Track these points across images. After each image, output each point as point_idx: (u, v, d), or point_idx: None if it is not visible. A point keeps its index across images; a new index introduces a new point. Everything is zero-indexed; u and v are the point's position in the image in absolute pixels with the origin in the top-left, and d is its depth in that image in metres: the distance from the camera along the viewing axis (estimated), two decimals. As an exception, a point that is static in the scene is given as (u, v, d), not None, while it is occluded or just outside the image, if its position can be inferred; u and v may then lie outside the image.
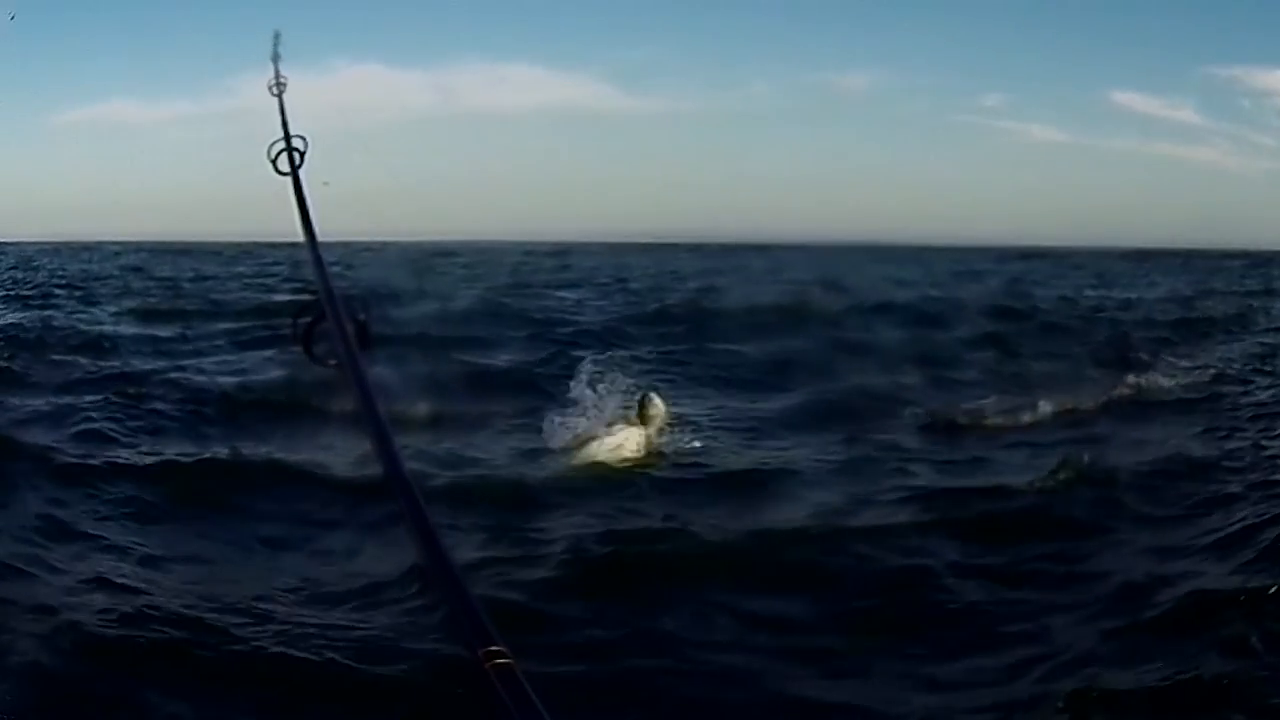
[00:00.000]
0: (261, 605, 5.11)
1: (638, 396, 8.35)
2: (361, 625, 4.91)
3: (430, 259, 39.31)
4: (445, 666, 4.19)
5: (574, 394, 8.89)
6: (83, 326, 17.13)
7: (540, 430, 8.68)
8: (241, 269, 37.77)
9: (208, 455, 8.11)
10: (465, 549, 5.69)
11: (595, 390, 8.72)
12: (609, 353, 12.70)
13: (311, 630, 4.81)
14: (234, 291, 26.43)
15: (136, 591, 5.25)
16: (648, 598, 5.24)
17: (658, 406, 8.21)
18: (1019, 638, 4.85)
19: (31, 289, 26.54)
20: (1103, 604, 5.15)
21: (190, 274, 34.65)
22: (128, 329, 17.35)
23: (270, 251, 46.38)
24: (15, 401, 10.15)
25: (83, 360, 12.96)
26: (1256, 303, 25.78)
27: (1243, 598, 4.95)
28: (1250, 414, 10.11)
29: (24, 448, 8.01)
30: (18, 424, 9.08)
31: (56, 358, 13.10)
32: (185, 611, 4.93)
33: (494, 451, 8.55)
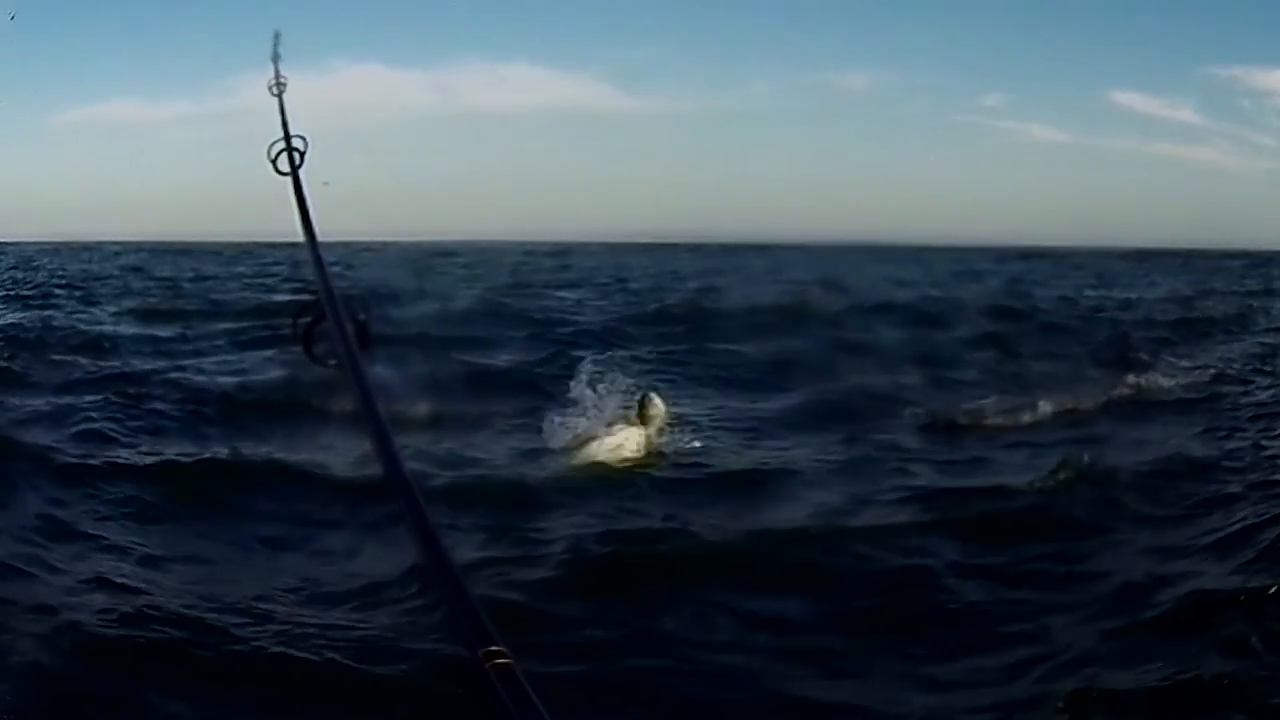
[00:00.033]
0: (261, 605, 5.11)
1: (638, 396, 8.35)
2: (361, 625, 4.91)
3: (430, 259, 39.31)
4: (445, 666, 4.19)
5: (574, 394, 8.90)
6: (83, 326, 17.13)
7: (540, 430, 8.68)
8: (241, 269, 37.77)
9: (208, 455, 8.11)
10: (465, 549, 5.69)
11: (595, 390, 8.72)
12: (609, 353, 12.70)
13: (311, 630, 4.81)
14: (234, 291, 26.43)
15: (136, 591, 5.25)
16: (648, 598, 5.24)
17: (658, 406, 8.21)
18: (1019, 638, 4.85)
19: (31, 289, 26.54)
20: (1103, 604, 5.15)
21: (190, 274, 34.65)
22: (128, 329, 17.35)
23: (270, 251, 46.38)
24: (15, 401, 10.14)
25: (83, 360, 12.96)
26: (1256, 303, 25.78)
27: (1243, 598, 4.95)
28: (1250, 414, 10.11)
29: (24, 448, 8.01)
30: (18, 424, 9.08)
31: (56, 358, 13.10)
32: (185, 611, 4.93)
33: (494, 451, 8.55)
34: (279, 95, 4.40)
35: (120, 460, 7.89)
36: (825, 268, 31.56)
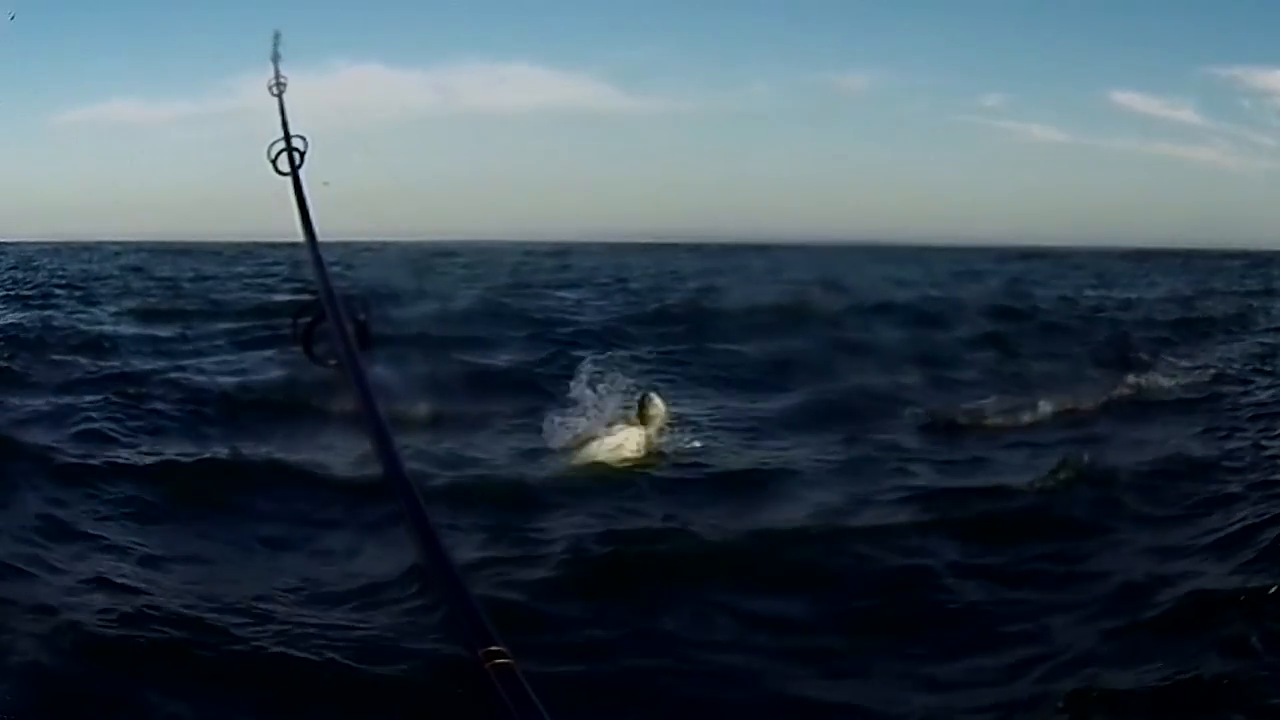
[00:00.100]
0: (261, 605, 5.11)
1: (638, 396, 8.35)
2: (361, 625, 4.91)
3: (430, 259, 39.31)
4: (445, 666, 4.19)
5: (574, 394, 8.89)
6: (83, 326, 17.12)
7: (540, 430, 8.67)
8: (241, 269, 37.77)
9: (208, 455, 8.11)
10: (466, 549, 5.69)
11: (595, 390, 8.72)
12: (609, 353, 12.70)
13: (311, 630, 4.81)
14: (234, 291, 26.44)
15: (136, 591, 5.25)
16: (648, 598, 5.24)
17: (658, 406, 8.21)
18: (1019, 638, 4.85)
19: (31, 289, 26.54)
20: (1103, 604, 5.15)
21: (190, 274, 34.65)
22: (128, 329, 17.35)
23: (270, 251, 46.38)
24: (15, 401, 10.14)
25: (83, 360, 12.96)
26: (1256, 303, 25.79)
27: (1243, 598, 4.95)
28: (1250, 414, 10.11)
29: (24, 448, 8.01)
30: (18, 424, 9.08)
31: (56, 358, 13.09)
32: (185, 611, 4.93)
33: (494, 451, 8.55)
34: (279, 95, 4.40)
35: (120, 460, 7.89)
36: (825, 268, 31.57)
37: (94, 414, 9.36)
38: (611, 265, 41.80)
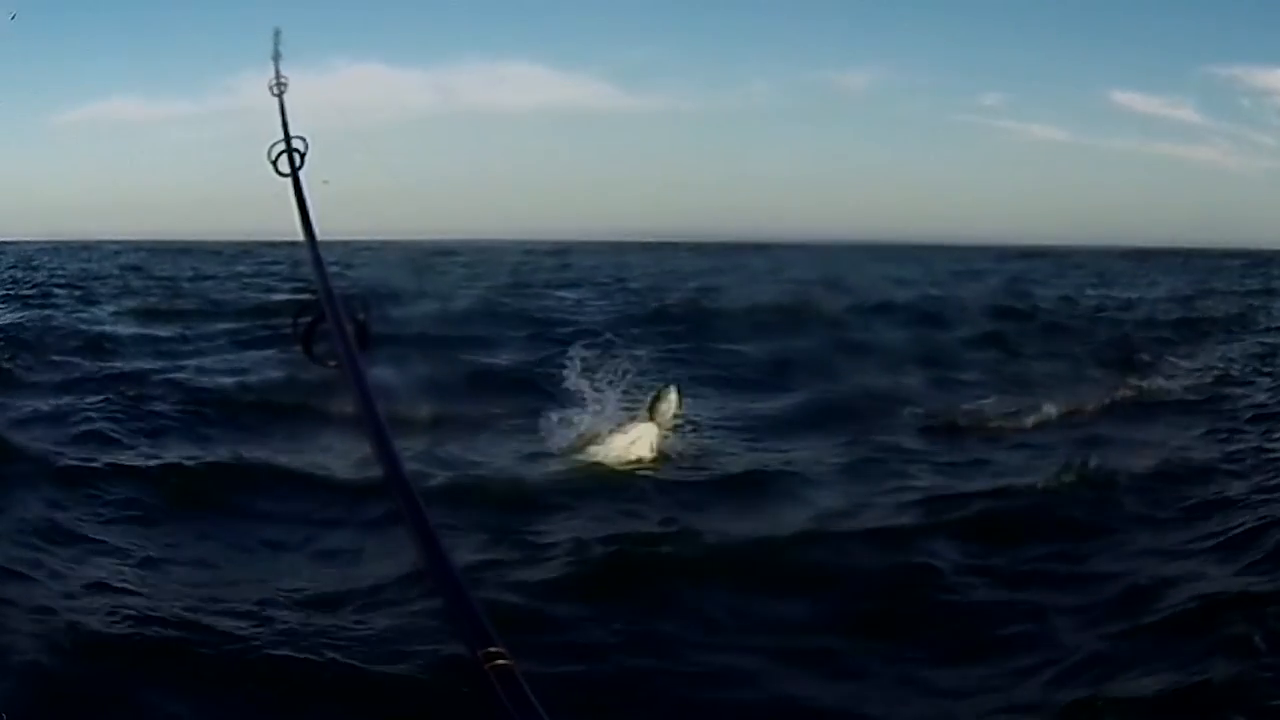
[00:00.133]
0: (262, 606, 5.10)
1: (654, 391, 8.30)
2: (362, 626, 4.91)
3: (430, 258, 39.35)
4: (445, 667, 4.19)
5: (568, 385, 8.86)
6: (82, 326, 17.12)
7: (540, 430, 8.66)
8: (241, 268, 37.78)
9: (208, 456, 8.10)
10: (466, 550, 5.68)
11: (592, 382, 8.68)
12: (604, 335, 12.72)
13: (312, 631, 4.80)
14: (234, 291, 26.44)
15: (136, 592, 5.25)
16: (648, 599, 5.23)
17: (671, 402, 8.14)
18: (1021, 640, 4.84)
19: (31, 288, 26.54)
20: (1105, 606, 5.14)
21: (190, 273, 34.68)
22: (127, 329, 17.34)
23: (270, 251, 46.40)
24: (15, 402, 10.13)
25: (82, 360, 12.95)
26: (1257, 302, 25.82)
27: (1247, 601, 4.94)
28: (1251, 415, 10.10)
29: (24, 449, 8.01)
30: (18, 425, 9.07)
31: (56, 358, 13.08)
32: (185, 612, 4.93)
33: (494, 452, 8.54)
34: (279, 95, 4.39)
35: (120, 461, 7.87)
36: (825, 267, 31.62)
37: (94, 414, 9.35)
38: (612, 265, 41.82)
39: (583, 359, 9.13)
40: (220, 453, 8.22)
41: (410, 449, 7.09)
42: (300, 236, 3.67)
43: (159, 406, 9.89)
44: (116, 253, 53.98)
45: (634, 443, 7.96)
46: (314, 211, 3.74)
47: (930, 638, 4.91)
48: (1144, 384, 11.62)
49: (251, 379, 11.91)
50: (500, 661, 1.61)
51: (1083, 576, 5.58)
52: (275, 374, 11.62)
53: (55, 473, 7.44)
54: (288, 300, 18.67)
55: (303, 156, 3.93)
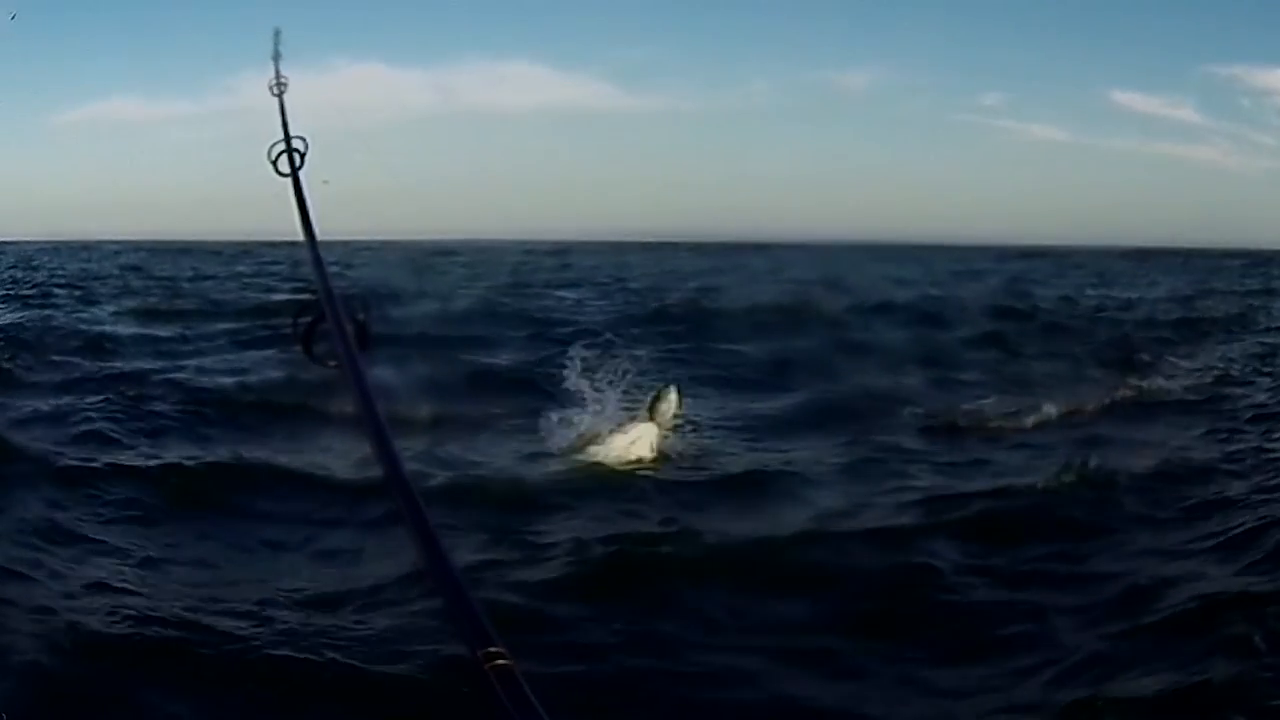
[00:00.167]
0: (262, 606, 5.10)
1: (654, 391, 8.30)
2: (362, 626, 4.91)
3: (430, 258, 39.37)
4: (445, 667, 4.19)
5: (569, 385, 8.86)
6: (82, 326, 17.12)
7: (540, 430, 8.66)
8: (241, 268, 37.79)
9: (208, 456, 8.10)
10: (466, 550, 5.68)
11: (592, 382, 8.68)
12: (604, 335, 12.71)
13: (312, 631, 4.80)
14: (234, 291, 26.44)
15: (137, 593, 5.24)
16: (648, 599, 5.23)
17: (671, 402, 8.14)
18: (1022, 640, 4.84)
19: (31, 288, 26.54)
20: (1106, 606, 5.14)
21: (190, 273, 34.69)
22: (127, 329, 17.34)
23: (270, 251, 46.41)
24: (15, 402, 10.13)
25: (83, 360, 12.95)
26: (1257, 302, 25.83)
27: (1247, 601, 4.94)
28: (1251, 415, 10.10)
29: (24, 449, 8.00)
30: (17, 425, 9.07)
31: (56, 358, 13.08)
32: (185, 613, 4.93)
33: (494, 452, 8.53)
34: (279, 95, 4.39)
35: (120, 461, 7.87)
36: (825, 267, 31.64)
37: (94, 414, 9.35)
38: (612, 264, 41.83)
39: (583, 359, 9.13)
40: (220, 453, 8.22)
41: (410, 449, 7.09)
42: (300, 236, 3.68)
43: (159, 406, 9.89)
44: (116, 253, 54.00)
45: (634, 443, 7.95)
46: (314, 211, 3.74)
47: (930, 638, 4.90)
48: (1144, 384, 11.62)
49: (251, 379, 11.91)
50: (500, 661, 1.61)
51: (1083, 576, 5.58)
52: (275, 374, 11.62)
53: (55, 473, 7.44)
54: (288, 300, 18.67)
55: (303, 156, 3.93)
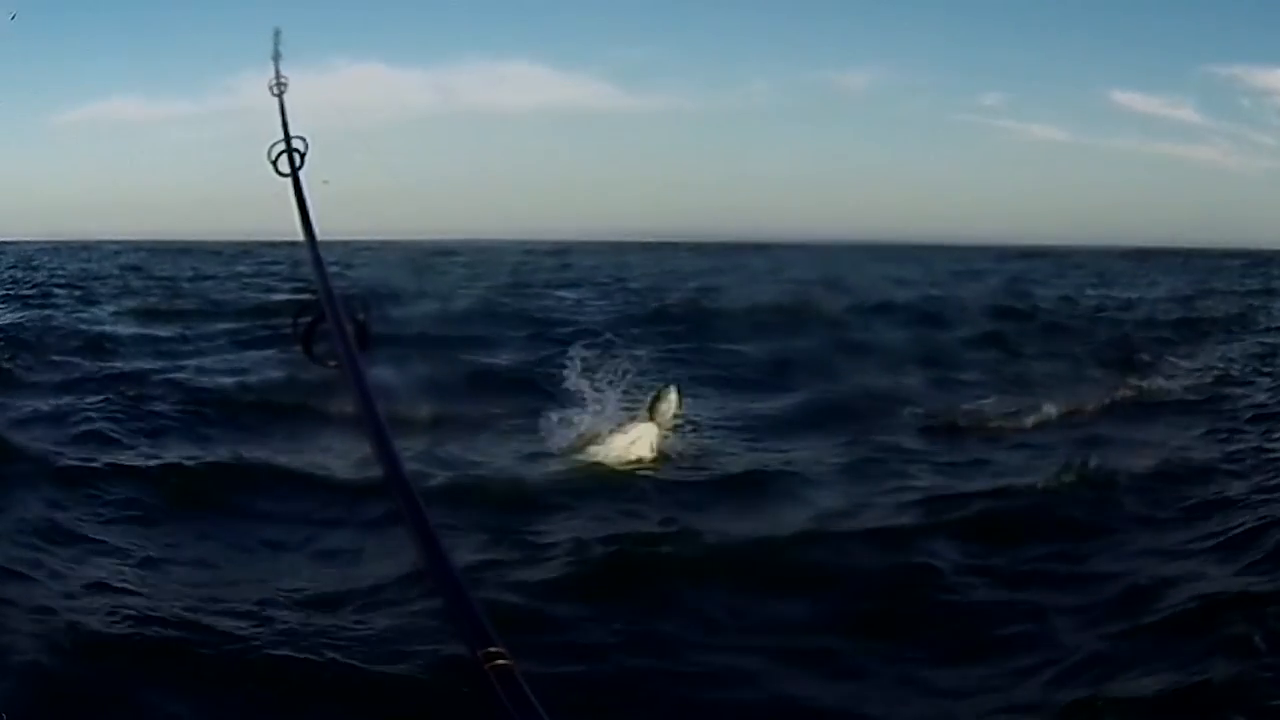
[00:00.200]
0: (262, 606, 5.10)
1: (654, 391, 8.30)
2: (362, 626, 4.91)
3: (430, 258, 39.38)
4: (445, 667, 4.19)
5: (569, 385, 8.86)
6: (82, 326, 17.12)
7: (540, 430, 8.66)
8: (241, 268, 37.79)
9: (208, 456, 8.10)
10: (466, 550, 5.68)
11: (592, 382, 8.68)
12: (604, 335, 12.71)
13: (312, 631, 4.80)
14: (234, 291, 26.44)
15: (137, 593, 5.24)
16: (648, 599, 5.23)
17: (671, 402, 8.14)
18: (1022, 640, 4.84)
19: (31, 288, 26.54)
20: (1106, 606, 5.14)
21: (190, 273, 34.69)
22: (127, 329, 17.34)
23: (270, 251, 46.42)
24: (15, 402, 10.13)
25: (82, 360, 12.95)
26: (1257, 302, 25.83)
27: (1247, 601, 4.94)
28: (1251, 415, 10.10)
29: (24, 449, 8.00)
30: (18, 425, 9.07)
31: (56, 358, 13.08)
32: (185, 613, 4.93)
33: (494, 452, 8.53)
34: (279, 95, 4.39)
35: (120, 461, 7.87)
36: (825, 267, 31.65)
37: (94, 414, 9.35)
38: (612, 264, 41.84)
39: (583, 359, 9.13)
40: (220, 453, 8.22)
41: (410, 449, 7.09)
42: (300, 236, 3.68)
43: (159, 406, 9.89)
44: (116, 253, 54.01)
45: (634, 443, 7.95)
46: (314, 211, 3.74)
47: (930, 638, 4.90)
48: (1144, 384, 11.62)
49: (251, 379, 11.91)
50: (500, 661, 1.61)
51: (1083, 576, 5.58)
52: (275, 374, 11.62)
53: (55, 473, 7.44)
54: (288, 300, 18.67)
55: (303, 156, 3.93)
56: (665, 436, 8.17)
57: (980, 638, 4.88)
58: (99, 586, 5.32)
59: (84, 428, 8.97)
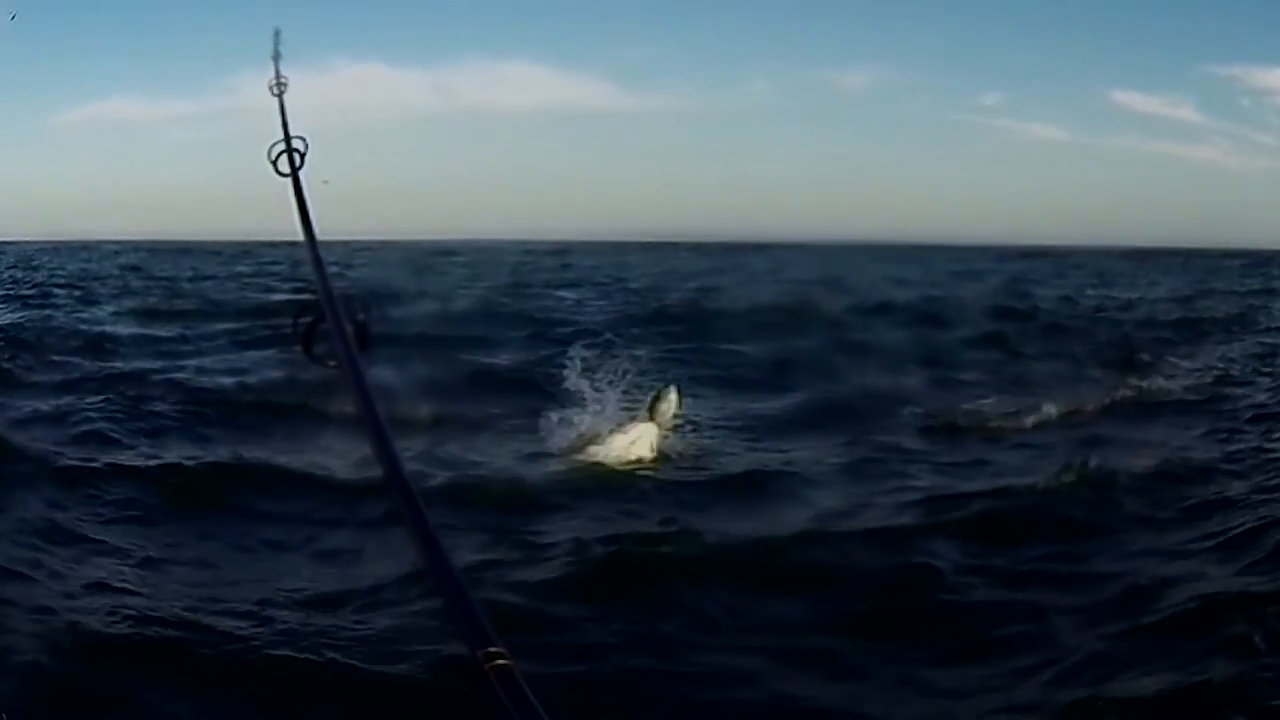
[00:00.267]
0: (262, 606, 5.10)
1: (654, 391, 8.30)
2: (362, 626, 4.91)
3: (430, 258, 39.40)
4: (445, 667, 4.19)
5: (569, 385, 8.86)
6: (82, 326, 17.12)
7: (540, 430, 8.66)
8: (241, 268, 37.80)
9: (208, 456, 8.10)
10: (466, 550, 5.68)
11: (592, 382, 8.68)
12: (604, 335, 12.72)
13: (312, 631, 4.80)
14: (234, 291, 26.44)
15: (137, 593, 5.24)
16: (648, 599, 5.23)
17: (671, 402, 8.14)
18: (1022, 640, 4.84)
19: (31, 288, 26.55)
20: (1106, 607, 5.14)
21: (190, 273, 34.70)
22: (127, 329, 17.34)
23: (270, 251, 46.43)
24: (15, 402, 10.13)
25: (82, 360, 12.96)
26: (1257, 302, 25.83)
27: (1247, 601, 4.94)
28: (1251, 415, 10.10)
29: (24, 449, 8.00)
30: (18, 425, 9.07)
31: (56, 358, 13.08)
32: (185, 613, 4.93)
33: (494, 452, 8.54)
34: (279, 95, 4.39)
35: (120, 461, 7.87)
36: (825, 267, 31.66)
37: (94, 414, 9.35)
38: (612, 265, 41.85)
39: (583, 359, 9.13)
40: (220, 453, 8.22)
41: (410, 449, 7.09)
42: (300, 236, 3.68)
43: (159, 406, 9.89)
44: (116, 253, 54.02)
45: (634, 443, 7.95)
46: (314, 211, 3.74)
47: (930, 638, 4.91)
48: (1144, 384, 11.62)
49: (251, 379, 11.91)
50: (500, 661, 1.61)
51: (1083, 576, 5.58)
52: (275, 374, 11.62)
53: (55, 473, 7.44)
54: (288, 300, 18.69)
55: (303, 156, 3.93)
56: (665, 436, 8.17)
57: (980, 638, 4.88)
58: (99, 586, 5.32)
59: (84, 428, 8.97)
